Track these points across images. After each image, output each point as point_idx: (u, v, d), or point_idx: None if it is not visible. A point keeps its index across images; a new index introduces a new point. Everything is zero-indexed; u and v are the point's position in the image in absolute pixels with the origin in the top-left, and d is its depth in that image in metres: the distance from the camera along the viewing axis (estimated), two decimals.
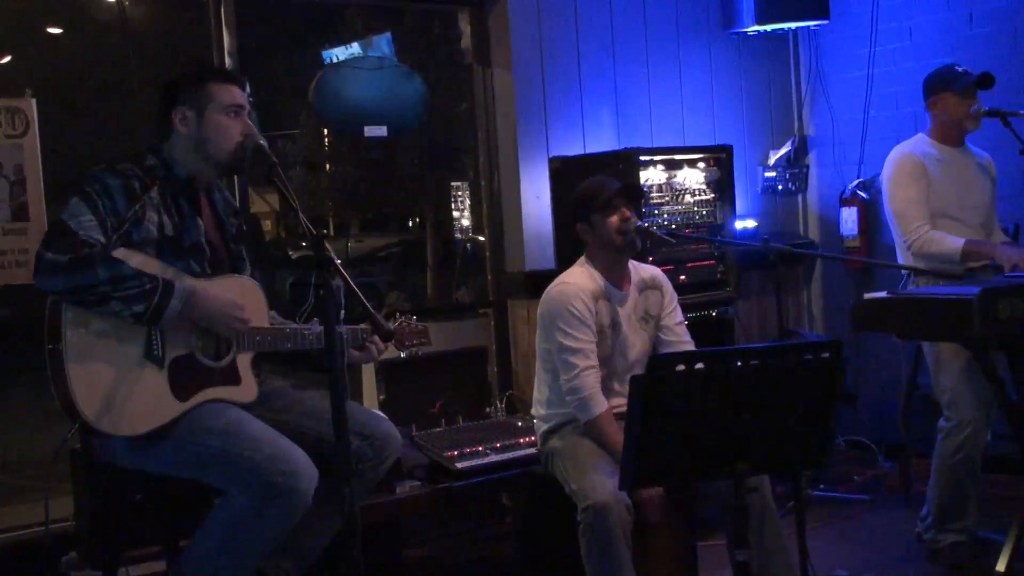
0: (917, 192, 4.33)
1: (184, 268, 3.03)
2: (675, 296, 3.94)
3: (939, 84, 4.38)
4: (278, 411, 3.22)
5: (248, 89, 3.21)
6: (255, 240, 3.44)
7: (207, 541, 2.96)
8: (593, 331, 3.68)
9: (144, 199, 2.97)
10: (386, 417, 3.49)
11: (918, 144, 4.45)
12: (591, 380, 3.62)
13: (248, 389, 3.12)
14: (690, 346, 3.85)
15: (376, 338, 3.28)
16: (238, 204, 3.99)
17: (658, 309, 3.88)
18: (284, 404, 3.26)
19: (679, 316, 3.92)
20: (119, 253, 2.90)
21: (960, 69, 4.35)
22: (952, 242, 4.23)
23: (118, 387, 2.91)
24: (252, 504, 2.89)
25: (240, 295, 3.11)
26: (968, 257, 4.20)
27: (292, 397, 3.30)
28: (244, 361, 3.12)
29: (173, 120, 3.11)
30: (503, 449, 4.05)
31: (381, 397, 4.57)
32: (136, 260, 2.92)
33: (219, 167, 3.15)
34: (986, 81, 4.31)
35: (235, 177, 4.44)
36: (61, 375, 2.85)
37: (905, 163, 4.39)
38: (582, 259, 3.85)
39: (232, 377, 3.08)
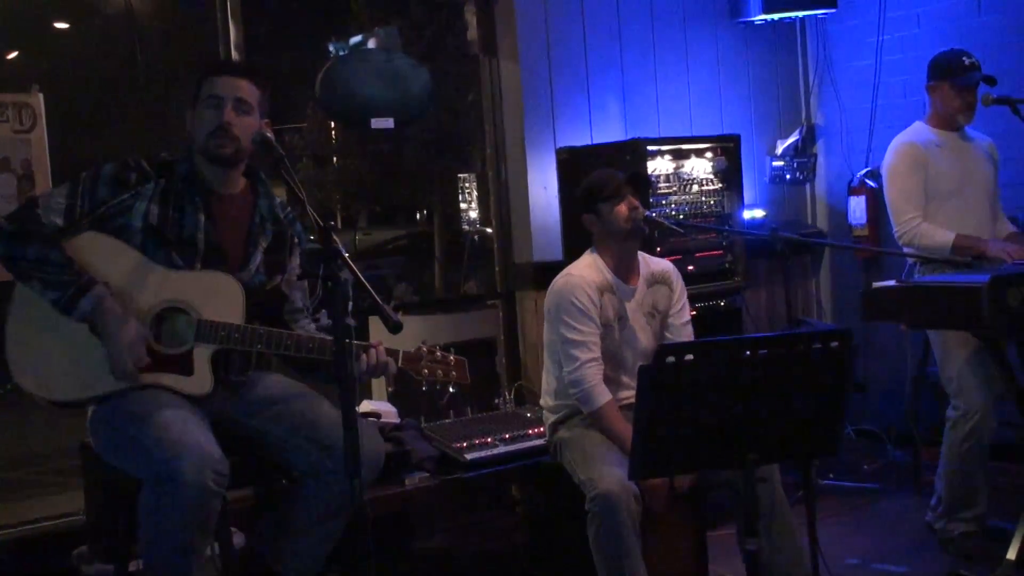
0: (913, 184, 4.34)
1: (165, 259, 3.04)
2: (684, 293, 3.92)
3: (941, 73, 4.38)
4: (250, 415, 3.18)
5: (252, 79, 3.15)
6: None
7: (142, 532, 2.91)
8: (597, 324, 3.67)
9: (138, 189, 3.03)
10: (373, 430, 3.39)
11: (917, 132, 4.46)
12: (593, 372, 3.62)
13: (200, 382, 3.05)
14: None
15: (380, 351, 3.13)
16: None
17: (666, 305, 3.86)
18: (257, 408, 3.20)
19: (685, 316, 3.90)
20: (90, 236, 3.00)
21: (967, 62, 4.34)
22: (943, 235, 4.23)
23: (51, 349, 2.97)
24: (151, 492, 2.84)
25: (210, 289, 3.08)
26: (957, 251, 4.19)
27: (269, 400, 3.22)
28: (202, 353, 3.05)
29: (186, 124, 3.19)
30: (512, 440, 4.06)
31: (390, 389, 4.57)
32: (102, 241, 3.00)
33: (208, 159, 3.12)
34: (988, 82, 4.31)
35: None
36: (2, 324, 2.96)
37: (903, 154, 4.39)
38: (590, 250, 3.84)
39: (183, 366, 3.03)
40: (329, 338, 2.98)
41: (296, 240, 3.34)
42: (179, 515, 2.81)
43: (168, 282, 3.04)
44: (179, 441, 2.81)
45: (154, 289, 3.03)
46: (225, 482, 2.86)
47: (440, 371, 3.21)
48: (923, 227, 4.28)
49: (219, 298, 3.08)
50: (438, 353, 3.22)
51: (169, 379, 3.02)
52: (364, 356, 3.07)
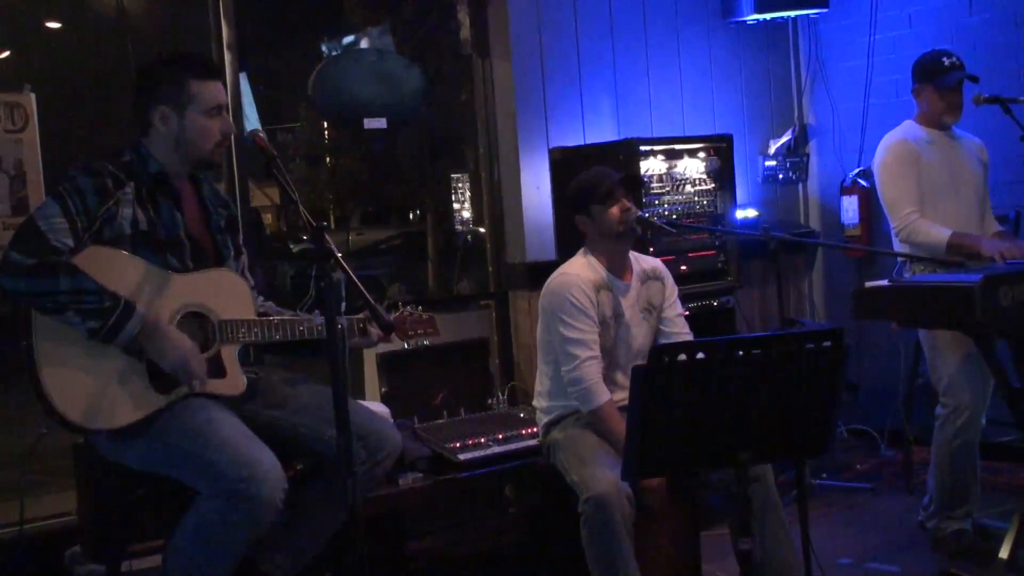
0: (907, 179, 4.35)
1: (162, 262, 3.00)
2: (675, 287, 3.93)
3: (923, 76, 4.42)
4: (272, 406, 3.19)
5: (228, 81, 3.18)
6: (257, 233, 3.40)
7: (183, 538, 2.93)
8: (594, 321, 3.67)
9: (118, 195, 2.96)
10: (387, 417, 3.45)
11: (908, 130, 4.48)
12: (592, 370, 3.62)
13: (233, 382, 3.07)
14: (689, 338, 3.85)
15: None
16: (234, 196, 3.96)
17: (660, 300, 3.87)
18: (278, 399, 3.22)
19: (679, 308, 3.92)
20: (92, 252, 2.89)
21: (947, 62, 4.36)
22: (939, 232, 4.24)
23: (93, 379, 2.88)
24: (217, 508, 2.85)
25: (219, 288, 3.08)
26: (953, 249, 4.20)
27: (287, 392, 3.25)
28: (229, 353, 3.07)
29: (152, 118, 3.09)
30: (505, 440, 4.05)
31: (383, 389, 4.57)
32: (105, 255, 2.92)
33: (195, 165, 3.14)
34: (971, 79, 4.34)
35: (235, 169, 4.45)
36: (33, 368, 2.84)
37: (896, 150, 4.41)
38: (583, 250, 3.84)
39: (216, 370, 3.03)
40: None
41: (238, 221, 3.36)
42: (251, 528, 2.88)
43: (179, 286, 3.02)
44: (256, 460, 2.85)
45: (169, 295, 2.99)
46: (285, 496, 2.91)
47: (420, 329, 3.45)
48: (920, 222, 4.29)
49: (229, 295, 3.09)
50: (415, 313, 3.46)
51: (208, 385, 3.01)
52: (372, 328, 3.24)
